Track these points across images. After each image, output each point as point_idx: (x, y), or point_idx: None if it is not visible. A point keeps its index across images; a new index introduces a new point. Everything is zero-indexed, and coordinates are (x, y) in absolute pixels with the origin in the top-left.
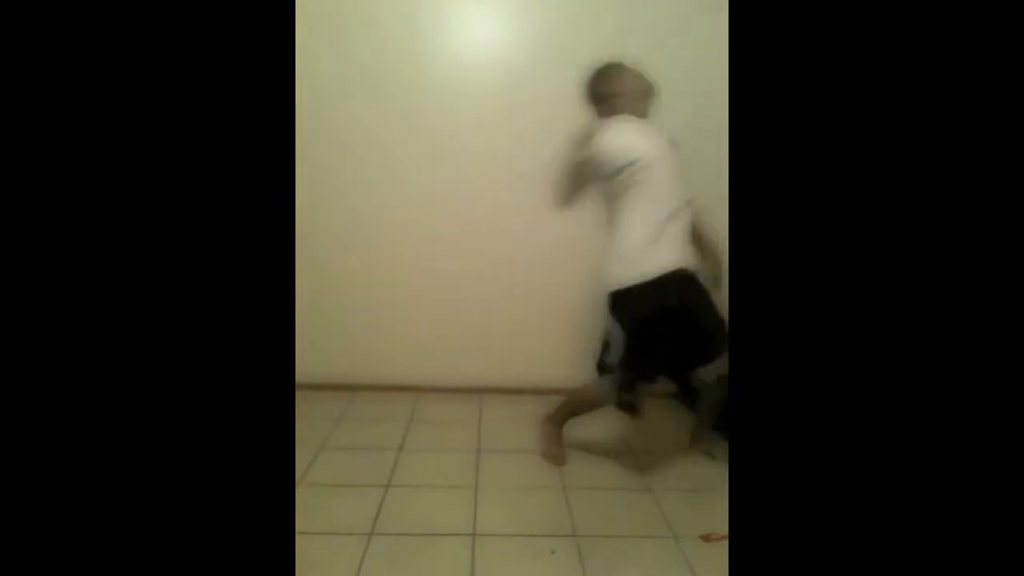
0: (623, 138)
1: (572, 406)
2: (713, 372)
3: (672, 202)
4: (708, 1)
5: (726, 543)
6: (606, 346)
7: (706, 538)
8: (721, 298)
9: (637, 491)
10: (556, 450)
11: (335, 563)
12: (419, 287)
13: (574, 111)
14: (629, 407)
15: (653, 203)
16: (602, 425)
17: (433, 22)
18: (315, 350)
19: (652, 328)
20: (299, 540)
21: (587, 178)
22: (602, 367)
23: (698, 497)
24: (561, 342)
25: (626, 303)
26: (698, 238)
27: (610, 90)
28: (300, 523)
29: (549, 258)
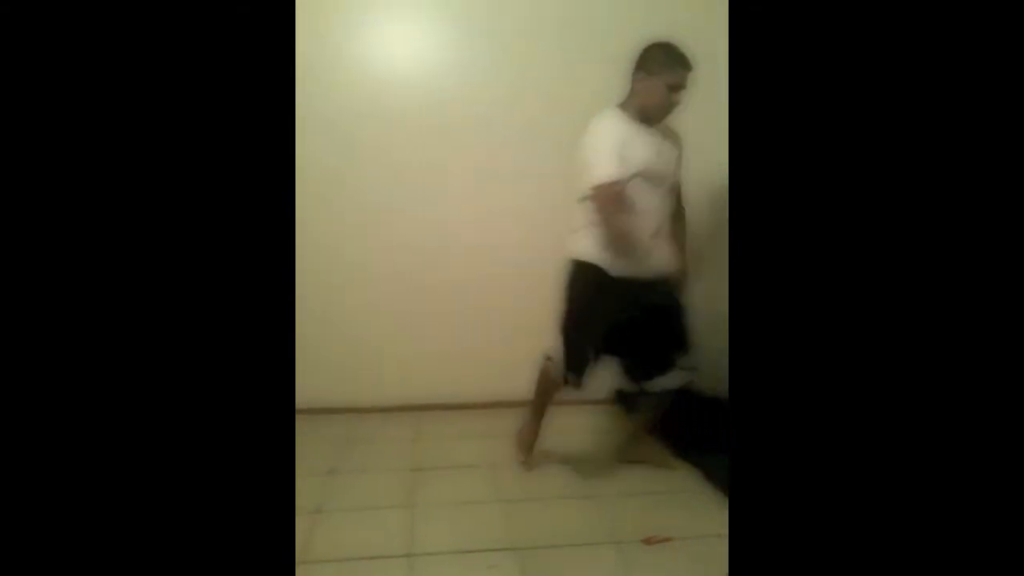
0: (599, 144)
1: (535, 405)
2: (662, 385)
3: (647, 218)
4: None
5: (667, 545)
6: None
7: (648, 541)
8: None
9: (577, 499)
10: (524, 454)
11: None
12: (348, 305)
13: (498, 118)
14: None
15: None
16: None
17: (347, 32)
18: None
19: (588, 307)
20: None
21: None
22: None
23: (639, 501)
24: (498, 356)
25: (575, 275)
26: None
27: (635, 74)
28: None
29: (480, 277)
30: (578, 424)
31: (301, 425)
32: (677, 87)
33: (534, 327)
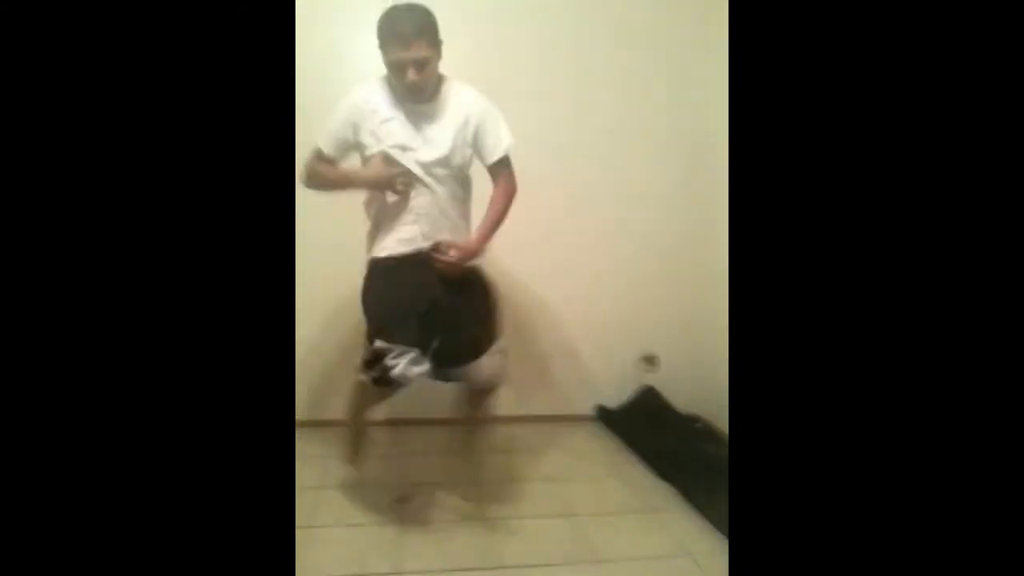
0: (334, 113)
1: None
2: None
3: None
4: None
5: (636, 564)
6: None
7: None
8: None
9: (558, 517)
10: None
11: None
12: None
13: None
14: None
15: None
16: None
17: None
18: None
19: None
20: None
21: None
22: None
23: (615, 520)
24: None
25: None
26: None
27: (380, 47)
28: None
29: None
30: (557, 440)
31: None
32: (398, 64)
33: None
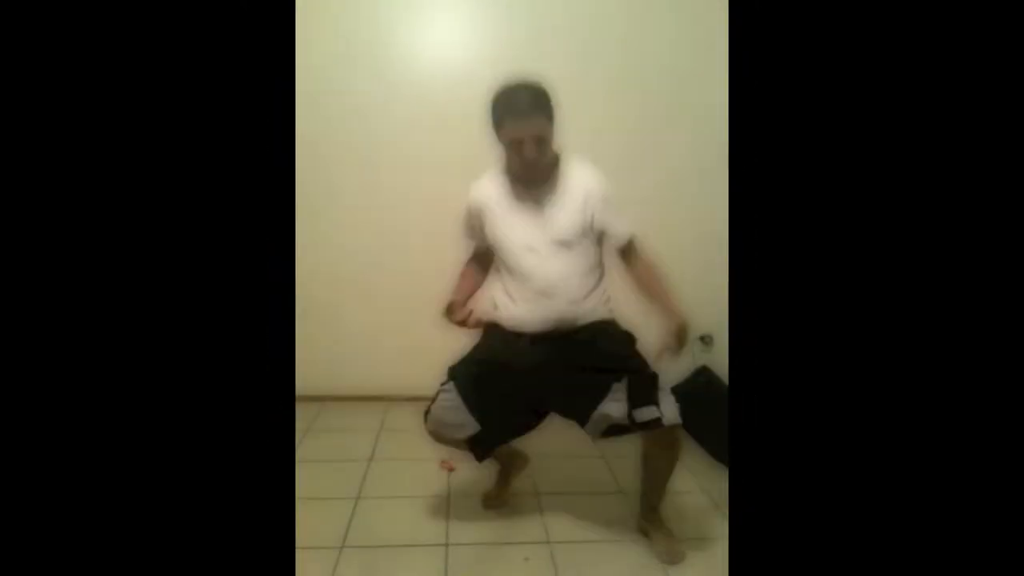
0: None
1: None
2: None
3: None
4: None
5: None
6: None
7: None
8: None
9: (609, 494)
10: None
11: None
12: (386, 293)
13: None
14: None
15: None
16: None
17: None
18: None
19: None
20: None
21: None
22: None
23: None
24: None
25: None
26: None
27: (493, 126)
28: None
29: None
30: None
31: (341, 413)
32: (516, 141)
33: None
